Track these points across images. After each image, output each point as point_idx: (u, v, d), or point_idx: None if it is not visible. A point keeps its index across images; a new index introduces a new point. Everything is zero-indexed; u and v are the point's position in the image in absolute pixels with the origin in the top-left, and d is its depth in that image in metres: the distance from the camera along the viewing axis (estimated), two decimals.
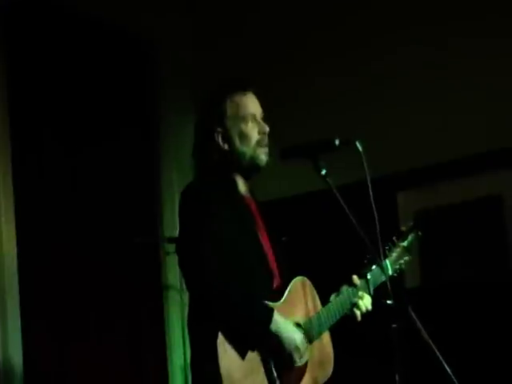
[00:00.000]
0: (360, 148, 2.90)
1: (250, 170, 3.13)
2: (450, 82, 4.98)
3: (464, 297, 4.74)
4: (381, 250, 2.93)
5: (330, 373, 3.13)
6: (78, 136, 5.21)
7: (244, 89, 3.16)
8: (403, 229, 3.45)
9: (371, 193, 2.85)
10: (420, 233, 3.43)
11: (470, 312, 4.69)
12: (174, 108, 5.78)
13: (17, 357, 4.69)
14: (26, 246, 4.80)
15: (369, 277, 3.18)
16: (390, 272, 3.26)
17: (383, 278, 3.14)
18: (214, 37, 5.78)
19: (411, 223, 3.48)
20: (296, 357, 2.93)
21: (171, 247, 4.98)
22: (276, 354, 2.91)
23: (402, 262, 3.34)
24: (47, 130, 5.07)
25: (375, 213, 2.84)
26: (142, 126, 5.66)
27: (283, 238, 3.24)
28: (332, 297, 3.15)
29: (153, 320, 5.46)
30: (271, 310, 2.89)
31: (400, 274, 3.33)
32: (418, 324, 2.73)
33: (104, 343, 5.11)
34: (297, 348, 2.93)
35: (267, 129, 3.12)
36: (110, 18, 5.40)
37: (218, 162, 3.11)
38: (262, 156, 3.10)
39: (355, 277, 3.18)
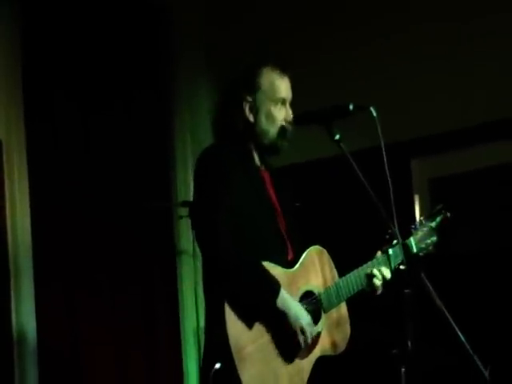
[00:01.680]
0: (374, 113, 2.89)
1: (268, 149, 3.15)
2: (465, 50, 4.94)
3: (477, 265, 4.75)
4: (395, 218, 2.92)
5: (349, 332, 3.13)
6: (92, 100, 5.21)
7: (283, 70, 3.17)
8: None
9: (385, 159, 2.84)
10: (449, 214, 3.39)
11: (483, 280, 4.70)
12: (188, 72, 5.76)
13: (30, 322, 4.72)
14: (39, 210, 4.82)
15: (390, 252, 3.17)
16: (415, 250, 3.22)
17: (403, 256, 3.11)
18: (229, 3, 5.73)
19: (440, 205, 3.43)
20: (300, 337, 2.93)
21: (184, 211, 4.99)
22: (281, 331, 2.91)
23: (428, 241, 3.30)
24: (60, 93, 5.07)
25: (389, 180, 2.83)
26: (156, 89, 5.64)
27: (297, 204, 3.24)
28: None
29: (166, 284, 5.48)
30: (279, 285, 2.89)
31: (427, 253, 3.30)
32: (431, 290, 2.72)
33: (117, 308, 5.14)
34: (302, 328, 2.92)
35: (291, 116, 3.13)
36: None
37: (240, 130, 3.11)
38: (284, 141, 3.12)
39: (379, 252, 3.18)
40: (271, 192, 3.15)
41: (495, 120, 4.83)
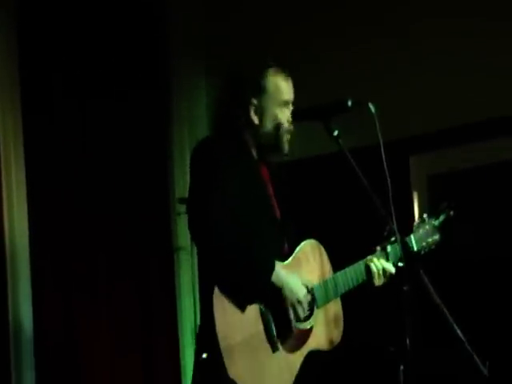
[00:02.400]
0: (373, 109, 2.89)
1: (271, 150, 3.16)
2: (464, 47, 4.93)
3: (476, 263, 4.74)
4: (393, 215, 2.91)
5: (342, 328, 3.13)
6: (90, 94, 5.18)
7: (287, 73, 3.19)
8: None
9: (384, 156, 2.83)
10: (452, 213, 3.37)
11: (481, 277, 4.70)
12: (186, 68, 5.74)
13: (28, 322, 4.71)
14: (35, 202, 4.82)
15: (389, 249, 3.16)
16: (416, 248, 3.21)
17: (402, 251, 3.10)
18: (228, 2, 5.73)
19: (445, 203, 3.42)
20: (299, 309, 2.92)
21: (182, 208, 4.98)
22: (276, 308, 2.90)
23: (430, 240, 3.29)
24: (58, 90, 5.04)
25: (388, 176, 2.83)
26: (154, 85, 5.61)
27: (295, 200, 3.24)
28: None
29: (163, 282, 5.46)
30: (273, 262, 2.89)
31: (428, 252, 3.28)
32: (429, 286, 2.71)
33: (114, 305, 5.12)
34: (299, 301, 2.92)
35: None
36: None
37: (243, 130, 3.13)
38: (286, 144, 3.14)
39: (378, 248, 3.18)
40: (269, 185, 3.15)
41: (494, 117, 4.82)
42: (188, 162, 3.16)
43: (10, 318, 4.65)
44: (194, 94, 5.69)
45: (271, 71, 3.15)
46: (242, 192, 2.99)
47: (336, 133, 2.98)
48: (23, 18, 4.88)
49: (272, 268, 2.88)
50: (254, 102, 3.12)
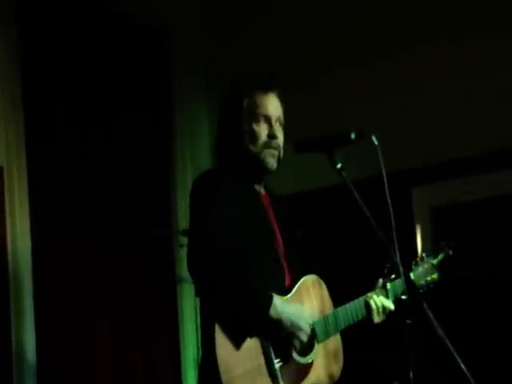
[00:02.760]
0: (376, 142, 2.88)
1: (256, 171, 3.14)
2: (466, 79, 4.95)
3: (477, 293, 4.73)
4: (396, 247, 2.90)
5: (342, 364, 3.12)
6: (92, 125, 5.20)
7: (266, 88, 3.16)
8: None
9: (387, 188, 2.83)
10: (451, 252, 3.37)
11: (483, 308, 4.68)
12: (188, 96, 5.76)
13: (30, 338, 4.71)
14: (39, 234, 4.81)
15: (388, 286, 3.15)
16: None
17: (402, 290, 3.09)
18: (228, 24, 5.75)
19: (443, 242, 3.42)
20: (300, 335, 2.89)
21: (185, 240, 4.97)
22: (276, 340, 2.88)
23: (428, 279, 3.30)
24: (61, 116, 5.05)
25: (390, 209, 2.82)
26: (156, 115, 5.64)
27: (298, 233, 3.23)
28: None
29: (166, 313, 5.45)
30: (271, 296, 2.86)
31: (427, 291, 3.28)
32: (433, 320, 2.70)
33: (117, 336, 5.10)
34: (299, 328, 2.89)
35: (277, 134, 3.12)
36: (125, 3, 5.38)
37: (232, 153, 3.11)
38: (269, 159, 3.10)
39: (380, 280, 3.17)
40: (271, 217, 3.14)
41: (496, 149, 4.82)
42: None
43: (13, 337, 4.64)
44: (196, 122, 5.71)
45: (248, 91, 3.15)
46: (242, 223, 2.97)
47: (339, 165, 2.97)
48: (26, 44, 4.91)
49: (269, 303, 2.85)
50: (233, 122, 3.12)
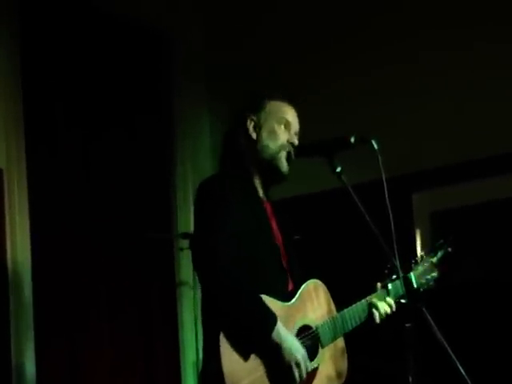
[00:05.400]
0: (376, 146, 2.88)
1: (269, 170, 3.12)
2: (467, 83, 4.95)
3: (478, 297, 4.73)
4: (396, 252, 2.90)
5: (346, 367, 3.10)
6: (93, 128, 5.21)
7: (291, 101, 3.17)
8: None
9: (387, 193, 2.83)
10: (450, 250, 3.37)
11: (484, 312, 4.68)
12: (189, 100, 5.77)
13: (30, 362, 4.70)
14: (38, 237, 4.81)
15: (390, 287, 3.15)
16: (415, 285, 3.17)
17: (404, 290, 3.09)
18: (229, 28, 5.76)
19: (442, 240, 3.42)
20: (295, 371, 2.88)
21: (185, 243, 4.98)
22: (275, 364, 2.87)
23: (429, 277, 3.28)
24: (61, 120, 5.07)
25: (390, 213, 2.82)
26: (157, 118, 5.65)
27: (296, 237, 3.23)
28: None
29: (166, 317, 5.45)
30: (275, 318, 2.84)
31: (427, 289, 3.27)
32: (432, 324, 2.70)
33: (116, 340, 5.11)
34: (297, 362, 2.88)
35: (296, 142, 3.11)
36: (127, 9, 5.39)
37: (243, 151, 3.11)
38: (284, 160, 3.09)
39: (379, 284, 3.16)
40: (273, 223, 3.13)
41: (497, 154, 4.83)
42: (191, 197, 3.15)
43: (12, 349, 4.64)
44: (197, 127, 5.72)
45: (273, 96, 3.15)
46: (247, 230, 2.95)
47: (339, 169, 2.97)
48: (27, 49, 4.91)
49: (273, 326, 2.82)
50: (253, 117, 3.10)
